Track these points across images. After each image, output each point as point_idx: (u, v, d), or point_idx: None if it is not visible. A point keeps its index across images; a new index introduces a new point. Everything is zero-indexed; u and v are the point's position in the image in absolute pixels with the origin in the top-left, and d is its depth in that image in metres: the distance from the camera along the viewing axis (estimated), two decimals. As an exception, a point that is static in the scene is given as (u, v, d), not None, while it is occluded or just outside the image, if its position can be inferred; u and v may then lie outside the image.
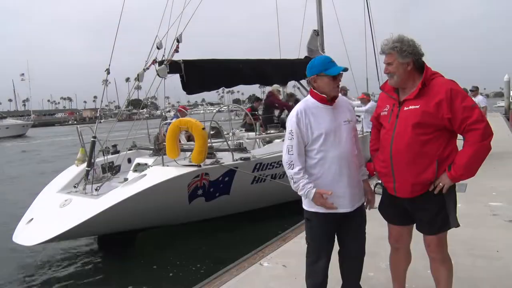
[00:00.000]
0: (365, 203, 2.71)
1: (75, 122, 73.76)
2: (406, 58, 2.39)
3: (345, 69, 2.54)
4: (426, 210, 2.45)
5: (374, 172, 2.73)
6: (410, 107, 2.39)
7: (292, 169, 2.49)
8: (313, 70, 2.54)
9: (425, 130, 2.34)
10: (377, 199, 2.79)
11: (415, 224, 2.61)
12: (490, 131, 2.31)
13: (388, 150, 2.47)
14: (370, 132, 10.52)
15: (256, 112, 9.72)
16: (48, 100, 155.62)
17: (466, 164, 2.30)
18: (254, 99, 12.96)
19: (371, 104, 9.32)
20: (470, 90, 9.83)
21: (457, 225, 2.45)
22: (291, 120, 2.53)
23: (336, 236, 2.69)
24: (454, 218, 2.44)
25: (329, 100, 2.53)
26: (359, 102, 9.65)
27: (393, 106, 2.51)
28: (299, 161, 2.49)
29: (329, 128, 2.48)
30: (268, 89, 10.35)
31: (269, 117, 9.30)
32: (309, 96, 2.62)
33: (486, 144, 2.29)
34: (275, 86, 9.47)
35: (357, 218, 2.62)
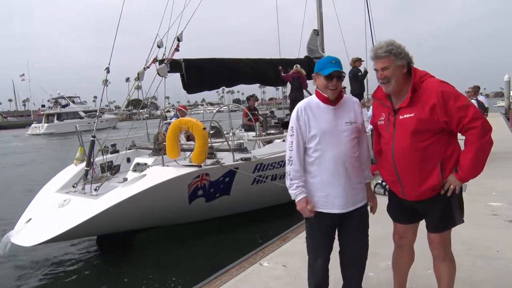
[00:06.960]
0: (367, 205, 2.69)
1: (75, 122, 73.80)
2: (403, 60, 2.35)
3: (336, 71, 2.46)
4: (435, 209, 2.44)
5: (375, 172, 2.71)
6: (406, 115, 2.36)
7: (291, 165, 2.51)
8: (315, 69, 2.58)
9: (424, 137, 2.32)
10: (378, 199, 2.78)
11: (420, 222, 2.62)
12: (488, 125, 2.29)
13: (391, 160, 2.45)
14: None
15: (256, 112, 9.70)
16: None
17: (471, 164, 2.29)
18: (247, 98, 12.78)
19: None
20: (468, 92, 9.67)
21: (462, 221, 2.47)
22: (292, 117, 2.57)
23: (338, 237, 2.68)
24: (459, 214, 2.45)
25: (331, 101, 2.51)
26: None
27: (388, 115, 2.48)
28: (298, 158, 2.50)
29: (327, 128, 2.47)
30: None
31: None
32: (314, 95, 2.64)
33: (487, 139, 2.28)
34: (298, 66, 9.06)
35: (355, 219, 2.59)
